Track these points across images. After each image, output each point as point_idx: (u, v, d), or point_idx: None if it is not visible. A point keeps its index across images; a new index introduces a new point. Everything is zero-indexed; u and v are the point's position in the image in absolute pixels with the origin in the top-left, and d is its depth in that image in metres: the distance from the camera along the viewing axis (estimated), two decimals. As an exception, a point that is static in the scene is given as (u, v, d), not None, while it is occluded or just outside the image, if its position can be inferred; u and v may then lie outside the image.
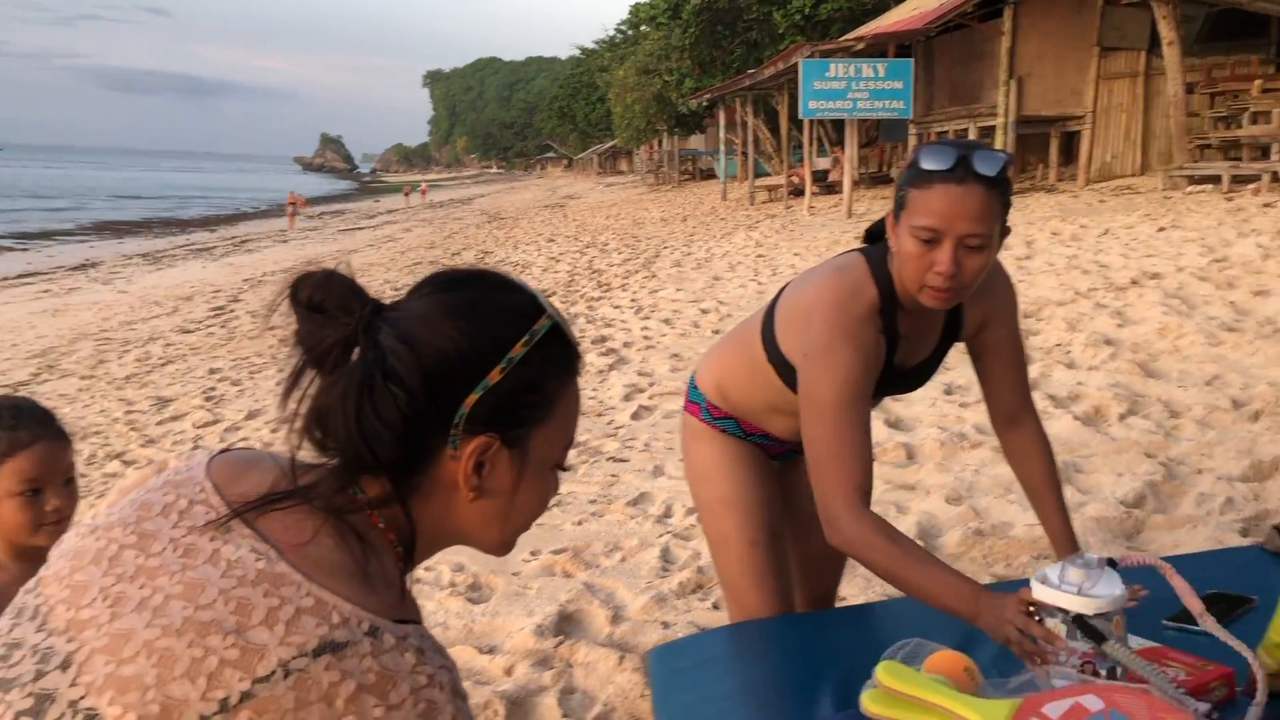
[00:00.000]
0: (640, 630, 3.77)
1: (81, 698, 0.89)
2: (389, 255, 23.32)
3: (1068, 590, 1.52)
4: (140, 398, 9.22)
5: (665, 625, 3.81)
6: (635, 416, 6.96)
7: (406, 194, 55.44)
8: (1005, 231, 1.89)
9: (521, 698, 3.36)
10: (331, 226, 37.76)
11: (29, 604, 0.98)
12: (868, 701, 1.48)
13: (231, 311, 14.85)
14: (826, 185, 25.63)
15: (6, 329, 14.42)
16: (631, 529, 4.89)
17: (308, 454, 1.04)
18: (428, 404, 1.01)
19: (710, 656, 2.18)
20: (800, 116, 20.05)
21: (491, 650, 3.75)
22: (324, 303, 1.03)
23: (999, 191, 1.81)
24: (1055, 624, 1.53)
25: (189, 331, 12.93)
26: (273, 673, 0.88)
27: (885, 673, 1.47)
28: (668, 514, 5.04)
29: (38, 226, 36.39)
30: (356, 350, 1.02)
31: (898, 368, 2.13)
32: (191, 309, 15.63)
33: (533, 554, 4.63)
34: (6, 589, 1.73)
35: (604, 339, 9.84)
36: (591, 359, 9.00)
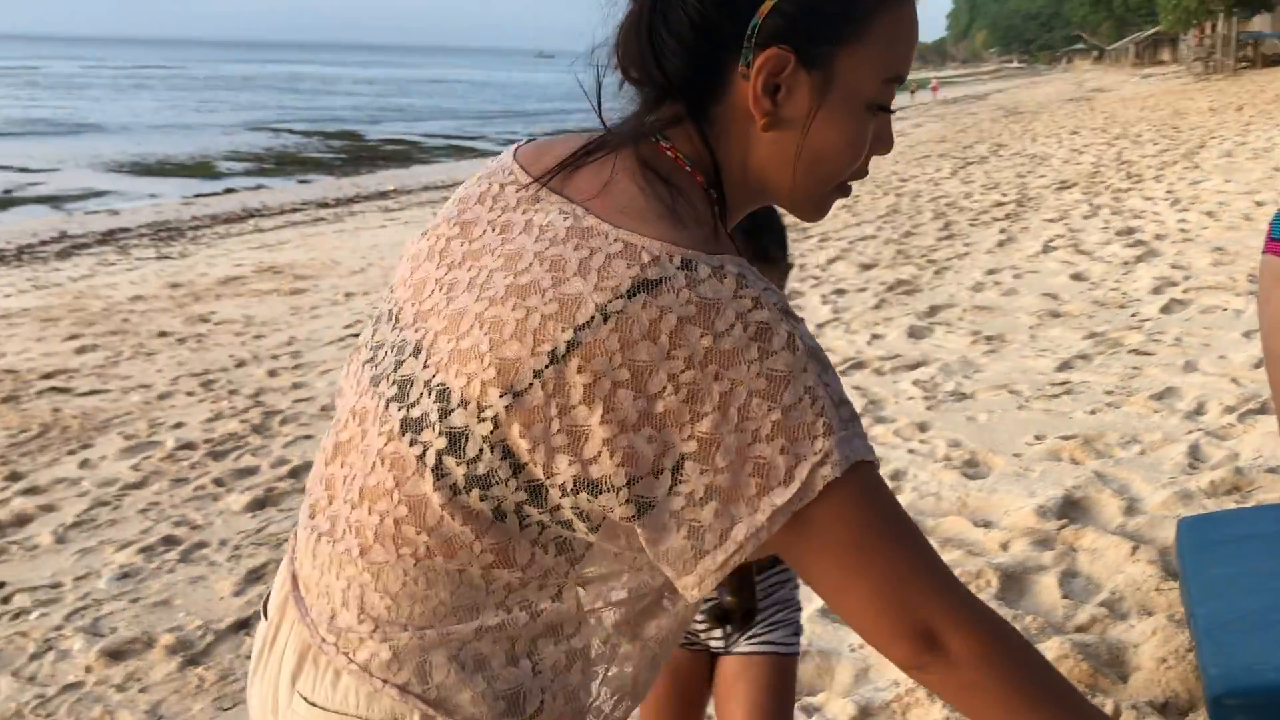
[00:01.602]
0: (1158, 525, 3.38)
1: (433, 376, 0.92)
2: (897, 149, 22.92)
3: None
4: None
5: (1190, 522, 3.39)
6: (1165, 310, 6.27)
7: (914, 92, 53.84)
8: None
9: (1018, 573, 3.15)
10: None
11: (384, 309, 1.03)
12: None
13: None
14: None
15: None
16: (1154, 423, 4.40)
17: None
18: (717, 11, 0.92)
19: (1248, 534, 1.87)
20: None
21: (987, 525, 3.56)
22: None
23: None
24: None
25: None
26: (591, 318, 0.86)
27: None
28: (1199, 410, 4.48)
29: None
30: None
31: None
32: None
33: (1037, 438, 4.33)
34: None
35: (1131, 230, 8.96)
36: (1115, 250, 8.24)
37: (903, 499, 3.82)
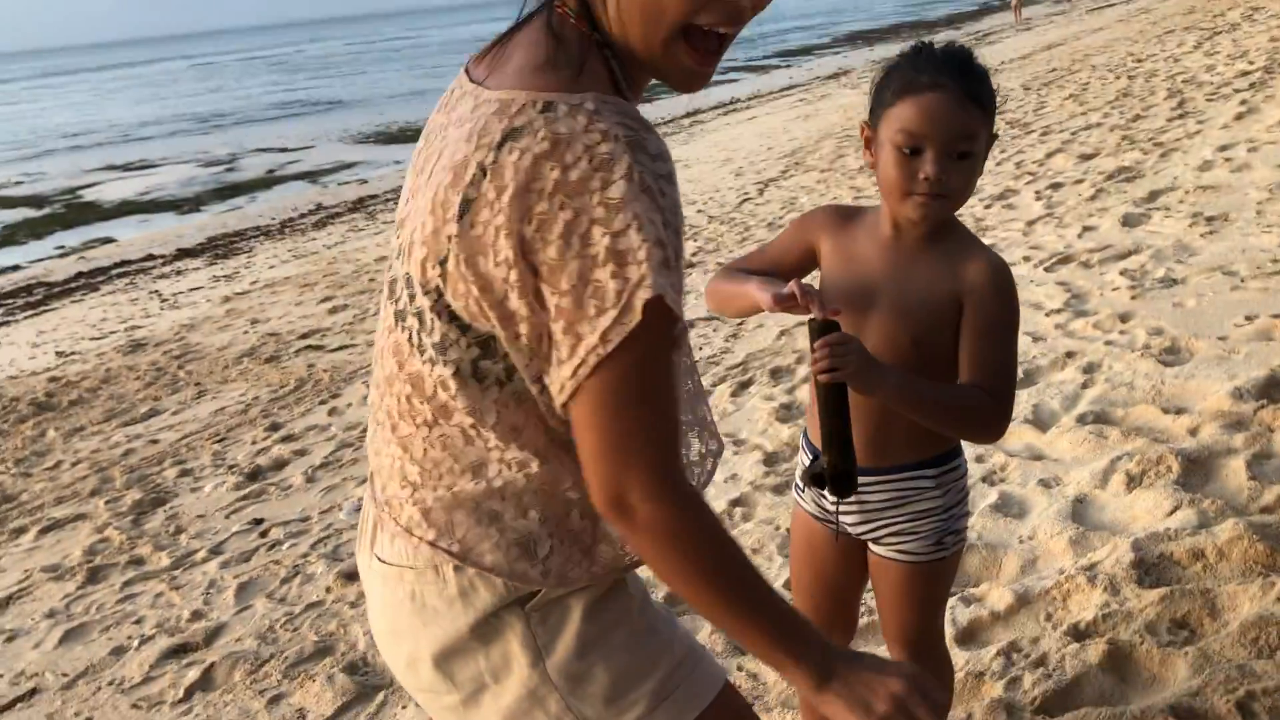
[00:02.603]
0: (1370, 400, 3.17)
1: (406, 271, 1.10)
2: (1139, 28, 21.24)
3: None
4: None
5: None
6: None
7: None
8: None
9: (1203, 458, 3.05)
10: (1080, 6, 35.32)
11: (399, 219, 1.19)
12: None
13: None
14: None
15: (765, 135, 15.96)
16: (1384, 294, 4.07)
17: None
18: None
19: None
20: None
21: (1179, 411, 3.43)
22: None
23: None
24: None
25: (921, 123, 13.20)
26: (473, 176, 1.00)
27: None
28: None
29: (799, 44, 39.27)
30: None
31: None
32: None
33: (1248, 318, 4.09)
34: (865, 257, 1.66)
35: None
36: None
37: (1093, 392, 3.73)
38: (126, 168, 25.16)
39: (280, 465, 5.00)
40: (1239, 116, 8.44)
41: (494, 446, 1.10)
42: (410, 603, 1.14)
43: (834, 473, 1.55)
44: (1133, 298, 4.66)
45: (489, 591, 1.11)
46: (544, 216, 0.97)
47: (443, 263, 1.03)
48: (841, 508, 1.77)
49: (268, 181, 20.85)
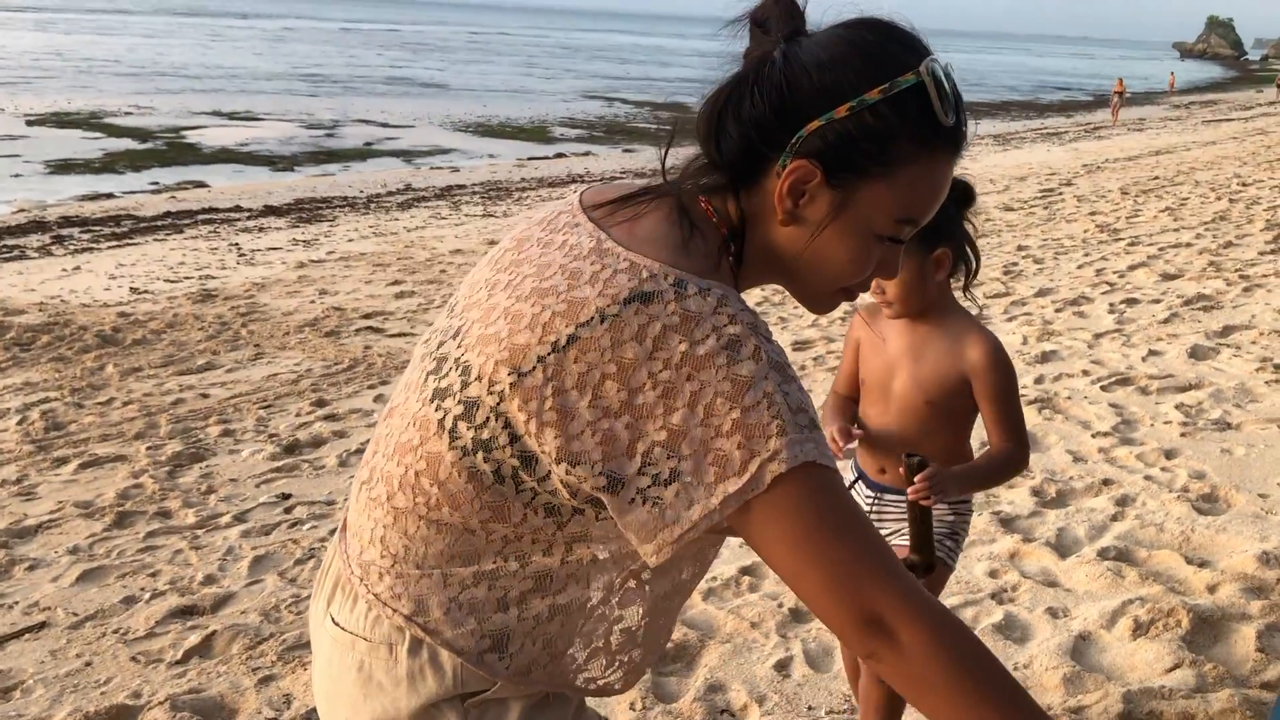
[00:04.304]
0: (1397, 590, 3.12)
1: (462, 355, 1.12)
2: (1251, 149, 20.91)
3: None
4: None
5: None
6: None
7: (1279, 86, 48.33)
8: None
9: (1215, 619, 3.02)
10: (1197, 116, 34.84)
11: (451, 301, 1.24)
12: None
13: (1059, 194, 14.66)
14: None
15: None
16: None
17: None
18: (776, 116, 1.09)
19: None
20: None
21: (1202, 564, 3.40)
22: (767, 21, 1.14)
23: None
24: None
25: (1011, 210, 13.10)
26: (591, 318, 1.04)
27: None
28: None
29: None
30: None
31: None
32: (1022, 189, 15.75)
33: (1293, 479, 4.04)
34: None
35: None
36: None
37: (1121, 526, 3.70)
38: (232, 116, 25.80)
39: (319, 443, 5.12)
40: (1333, 263, 8.30)
41: (496, 540, 1.13)
42: (356, 673, 1.18)
43: (926, 564, 2.08)
44: (1182, 434, 4.61)
45: (436, 681, 1.16)
46: (669, 384, 1.01)
47: (522, 374, 1.06)
48: (870, 507, 2.32)
49: (363, 153, 21.27)
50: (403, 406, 1.20)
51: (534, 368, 1.05)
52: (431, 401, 1.14)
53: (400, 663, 1.16)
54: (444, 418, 1.12)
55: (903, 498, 2.15)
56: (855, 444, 2.22)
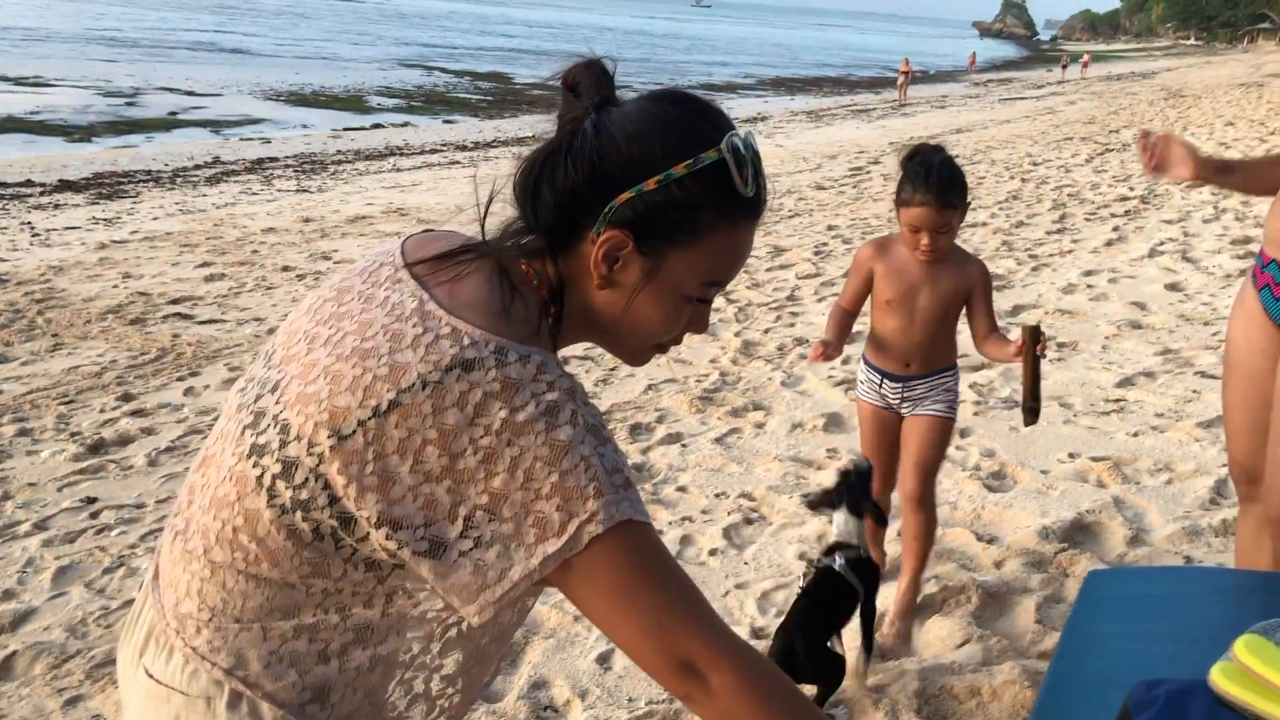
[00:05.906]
0: (1156, 558, 3.45)
1: (281, 412, 1.14)
2: (1041, 128, 22.23)
3: None
4: (759, 245, 9.95)
5: (1186, 560, 3.44)
6: (1252, 331, 6.11)
7: (1064, 66, 51.63)
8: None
9: (1001, 593, 3.27)
10: (994, 94, 36.70)
11: (266, 349, 1.25)
12: (1216, 674, 1.28)
13: (867, 173, 15.27)
14: None
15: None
16: (1192, 451, 4.41)
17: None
18: (589, 187, 1.15)
19: (1143, 593, 1.99)
20: None
21: (991, 541, 3.67)
22: (578, 86, 1.20)
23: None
24: None
25: (822, 189, 13.57)
26: (413, 384, 1.07)
27: (1244, 648, 1.26)
28: (1244, 444, 4.44)
29: (724, 80, 39.81)
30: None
31: None
32: (833, 166, 16.31)
33: (1070, 455, 4.38)
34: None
35: (1247, 240, 8.67)
36: (1222, 261, 8.01)
37: (919, 505, 3.94)
38: (19, 81, 24.11)
39: (125, 441, 4.92)
40: (1109, 243, 8.96)
41: (316, 593, 1.15)
42: None
43: (1036, 407, 2.73)
44: (975, 414, 4.93)
45: None
46: (490, 450, 1.05)
47: (342, 438, 1.08)
48: (897, 395, 3.14)
49: (168, 123, 20.26)
50: (219, 458, 1.20)
51: (354, 431, 1.07)
52: (249, 457, 1.15)
53: (219, 716, 1.17)
54: (262, 475, 1.13)
55: (927, 379, 3.08)
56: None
